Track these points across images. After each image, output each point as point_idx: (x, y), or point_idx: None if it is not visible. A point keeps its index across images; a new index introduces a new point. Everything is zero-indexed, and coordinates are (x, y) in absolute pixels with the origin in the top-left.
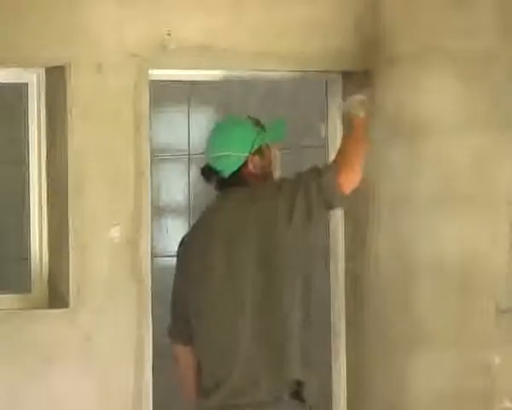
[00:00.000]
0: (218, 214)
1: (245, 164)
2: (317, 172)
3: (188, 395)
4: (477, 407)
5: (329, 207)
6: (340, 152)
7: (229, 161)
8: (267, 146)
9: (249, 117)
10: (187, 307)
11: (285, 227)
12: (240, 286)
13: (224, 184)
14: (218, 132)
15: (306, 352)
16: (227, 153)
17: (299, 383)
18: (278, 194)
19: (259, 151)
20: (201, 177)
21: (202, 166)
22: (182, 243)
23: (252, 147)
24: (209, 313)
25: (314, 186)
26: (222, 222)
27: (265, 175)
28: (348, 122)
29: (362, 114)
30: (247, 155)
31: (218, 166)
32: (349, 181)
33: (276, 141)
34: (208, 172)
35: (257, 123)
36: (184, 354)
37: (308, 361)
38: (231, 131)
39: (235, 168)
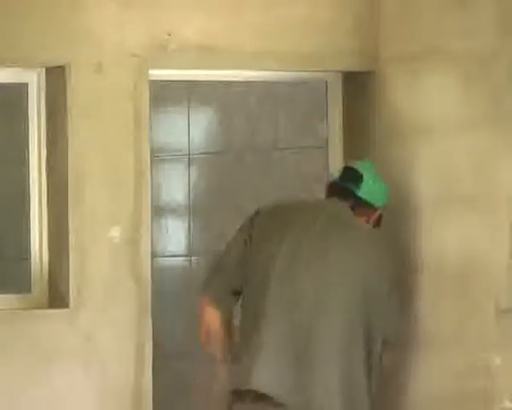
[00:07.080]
0: (326, 212)
1: (372, 206)
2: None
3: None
4: (477, 407)
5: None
6: None
7: (371, 190)
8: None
9: None
10: (241, 269)
11: (380, 297)
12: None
13: (340, 194)
14: (370, 167)
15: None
16: (374, 183)
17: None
18: (383, 272)
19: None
20: (341, 170)
21: (348, 165)
22: (273, 207)
23: (384, 203)
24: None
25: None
26: (329, 223)
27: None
28: None
29: None
30: (380, 204)
31: (363, 182)
32: None
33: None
34: (352, 175)
35: None
36: (212, 312)
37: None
38: (379, 180)
39: (369, 200)
